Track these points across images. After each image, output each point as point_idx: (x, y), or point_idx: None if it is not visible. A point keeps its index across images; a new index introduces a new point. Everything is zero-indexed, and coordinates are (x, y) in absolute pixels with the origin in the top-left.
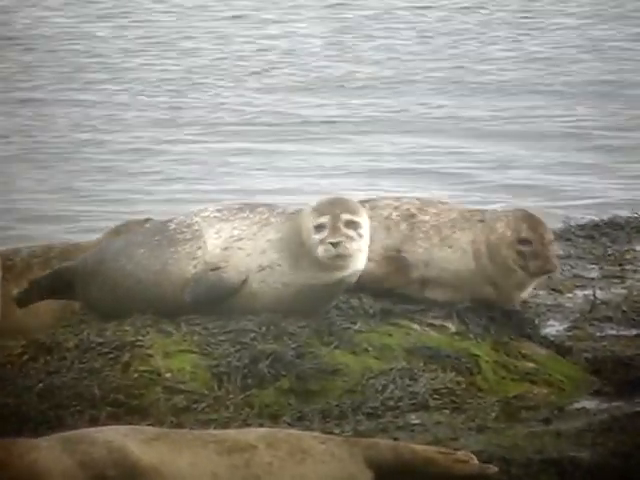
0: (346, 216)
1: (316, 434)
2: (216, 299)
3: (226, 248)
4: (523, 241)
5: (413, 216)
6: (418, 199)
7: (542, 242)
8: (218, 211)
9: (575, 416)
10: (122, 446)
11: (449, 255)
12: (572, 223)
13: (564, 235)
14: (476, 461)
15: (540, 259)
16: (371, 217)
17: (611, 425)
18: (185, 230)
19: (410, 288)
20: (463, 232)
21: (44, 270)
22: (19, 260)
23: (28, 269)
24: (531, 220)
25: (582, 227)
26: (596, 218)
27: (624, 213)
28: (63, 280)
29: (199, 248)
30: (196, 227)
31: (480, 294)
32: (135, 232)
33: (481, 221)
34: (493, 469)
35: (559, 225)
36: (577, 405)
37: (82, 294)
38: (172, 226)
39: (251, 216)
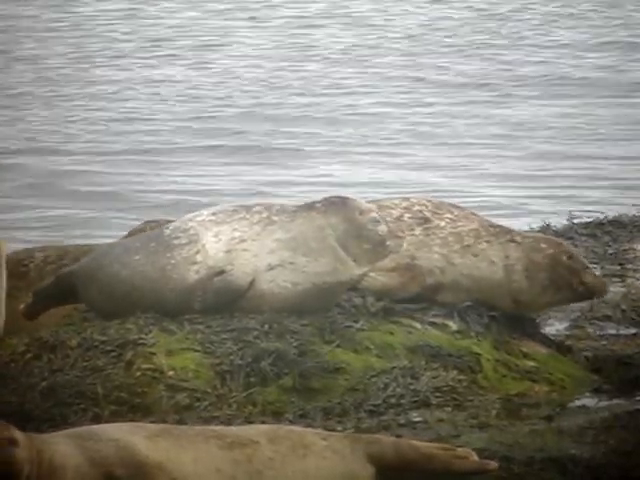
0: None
1: (318, 430)
2: (225, 303)
3: (229, 251)
4: (586, 267)
5: (427, 220)
6: (428, 200)
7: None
8: (213, 215)
9: (576, 414)
10: (129, 444)
11: (474, 263)
12: (576, 221)
13: (567, 233)
14: (476, 457)
15: (599, 282)
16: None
17: (612, 423)
18: (181, 235)
19: (423, 293)
20: (491, 245)
21: None
22: (33, 267)
23: (41, 278)
24: (565, 245)
25: (586, 225)
26: (601, 216)
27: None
28: (66, 285)
29: (197, 252)
30: (192, 232)
31: (495, 303)
32: (133, 238)
33: (512, 241)
34: (493, 465)
35: (564, 222)
36: (578, 403)
37: (84, 297)
38: (167, 232)
39: (248, 216)
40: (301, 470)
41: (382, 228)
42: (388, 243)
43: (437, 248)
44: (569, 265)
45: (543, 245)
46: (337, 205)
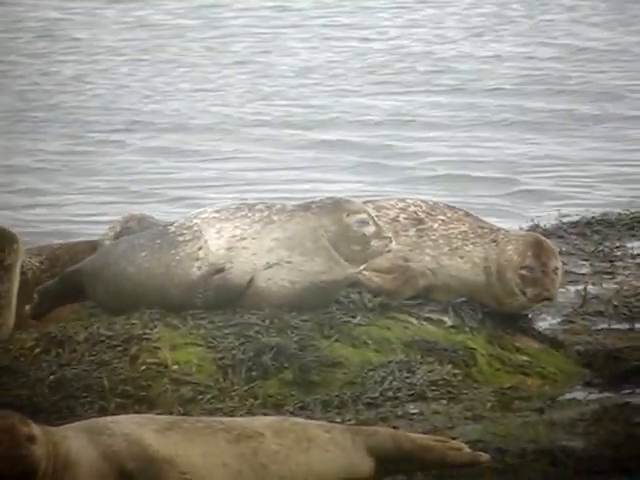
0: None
1: (321, 422)
2: (225, 300)
3: (230, 248)
4: (525, 267)
5: (421, 222)
6: (424, 201)
7: (544, 270)
8: (217, 212)
9: (567, 406)
10: (139, 438)
11: (460, 265)
12: (565, 220)
13: (556, 232)
14: (468, 450)
15: (538, 287)
16: (377, 217)
17: (602, 415)
18: (185, 232)
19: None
20: (475, 246)
21: None
22: (31, 275)
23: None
24: (538, 247)
25: (574, 224)
26: (588, 215)
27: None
28: (71, 284)
29: (200, 249)
30: (196, 228)
31: (483, 303)
32: (138, 235)
33: (494, 241)
34: (485, 457)
35: (553, 222)
36: (569, 396)
37: (91, 295)
38: (172, 229)
39: (250, 215)
40: (305, 463)
41: (368, 229)
42: (372, 244)
43: (429, 250)
44: (515, 266)
45: (509, 247)
46: (329, 207)
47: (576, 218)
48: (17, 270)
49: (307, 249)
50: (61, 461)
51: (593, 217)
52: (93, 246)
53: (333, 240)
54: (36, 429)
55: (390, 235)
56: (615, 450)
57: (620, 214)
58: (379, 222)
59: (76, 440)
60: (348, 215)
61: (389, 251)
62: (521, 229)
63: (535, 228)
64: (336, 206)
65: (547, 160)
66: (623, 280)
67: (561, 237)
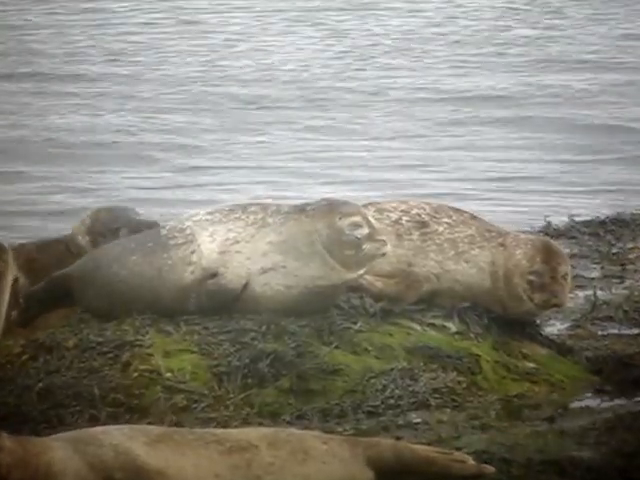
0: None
1: (318, 433)
2: (219, 306)
3: (223, 252)
4: (534, 272)
5: (425, 225)
6: (427, 204)
7: (553, 275)
8: (209, 214)
9: (578, 415)
10: (128, 449)
11: (465, 270)
12: (577, 219)
13: (568, 232)
14: (472, 462)
15: (546, 292)
16: (378, 220)
17: (615, 424)
18: (177, 235)
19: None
20: (482, 250)
21: None
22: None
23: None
24: (547, 252)
25: (587, 223)
26: (601, 215)
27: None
28: (60, 288)
29: (193, 252)
30: (188, 231)
31: (489, 308)
32: (130, 238)
33: (501, 245)
34: (490, 469)
35: (565, 220)
36: (581, 404)
37: (80, 299)
38: (164, 232)
39: (244, 217)
40: (301, 475)
41: (361, 232)
42: (364, 247)
43: (433, 255)
44: (523, 271)
45: (518, 251)
46: (323, 210)
47: (589, 217)
48: (8, 281)
49: (302, 254)
50: (42, 471)
51: (607, 216)
52: (65, 244)
53: (327, 245)
54: (5, 439)
55: (384, 238)
56: (625, 460)
57: (634, 213)
58: (376, 225)
59: (61, 450)
60: (340, 218)
61: (384, 254)
62: (532, 228)
63: (547, 227)
64: (330, 209)
65: None
66: (633, 285)
67: (573, 237)
